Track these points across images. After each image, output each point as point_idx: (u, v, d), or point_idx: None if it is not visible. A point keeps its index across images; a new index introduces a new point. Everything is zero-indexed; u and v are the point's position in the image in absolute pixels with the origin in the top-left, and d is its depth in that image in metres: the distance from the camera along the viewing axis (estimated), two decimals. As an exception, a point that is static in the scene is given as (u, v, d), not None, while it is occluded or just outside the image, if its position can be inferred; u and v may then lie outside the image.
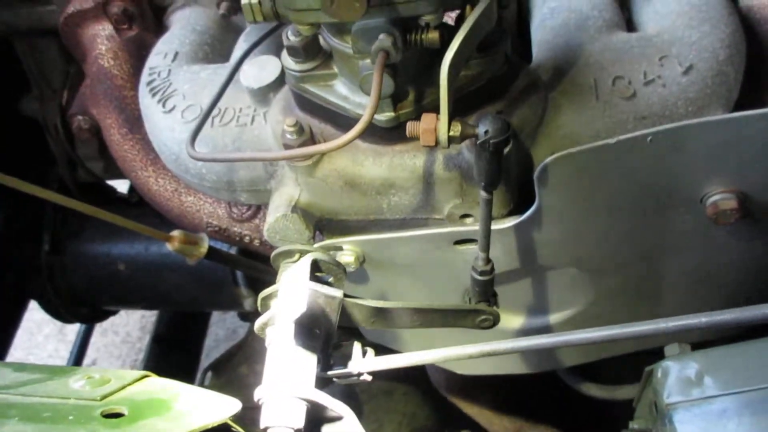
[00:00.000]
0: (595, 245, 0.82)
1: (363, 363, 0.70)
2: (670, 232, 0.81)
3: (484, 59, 0.73)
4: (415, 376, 1.31)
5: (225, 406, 0.49)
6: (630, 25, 0.93)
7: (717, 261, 0.85)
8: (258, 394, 0.62)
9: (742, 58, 0.84)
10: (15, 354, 2.56)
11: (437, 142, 0.67)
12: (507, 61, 0.77)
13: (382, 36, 0.64)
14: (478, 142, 0.65)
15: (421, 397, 1.41)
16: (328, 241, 0.79)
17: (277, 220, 0.79)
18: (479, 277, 0.76)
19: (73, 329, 2.24)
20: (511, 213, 0.80)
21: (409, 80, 0.72)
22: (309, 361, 0.64)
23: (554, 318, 0.97)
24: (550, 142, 0.79)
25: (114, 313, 1.70)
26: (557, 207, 0.76)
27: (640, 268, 0.87)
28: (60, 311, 1.49)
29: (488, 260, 0.76)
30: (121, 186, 1.60)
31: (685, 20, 0.84)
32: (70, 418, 0.42)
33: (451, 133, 0.66)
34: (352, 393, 1.45)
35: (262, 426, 0.61)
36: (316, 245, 0.77)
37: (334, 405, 0.63)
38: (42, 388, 0.47)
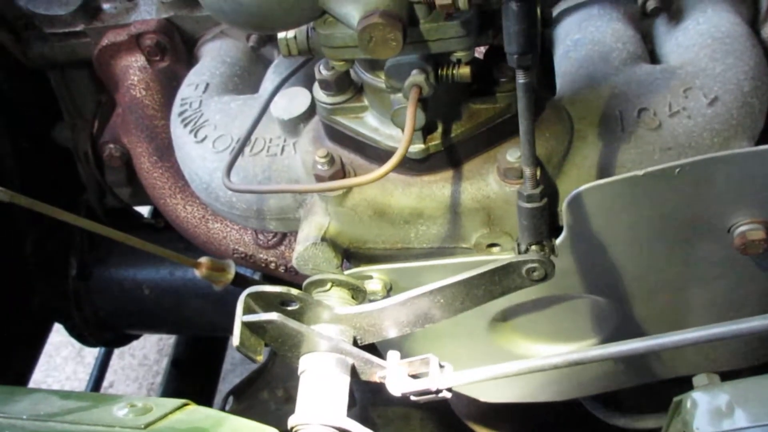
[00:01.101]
0: (621, 275, 0.83)
1: (442, 379, 0.64)
2: (697, 261, 0.81)
3: (511, 92, 0.74)
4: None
5: (264, 436, 0.50)
6: (653, 57, 0.94)
7: (744, 291, 0.85)
8: (292, 422, 0.63)
9: (766, 89, 0.84)
10: (34, 376, 2.58)
11: (455, 3, 0.58)
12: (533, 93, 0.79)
13: (415, 72, 0.66)
14: None
15: (438, 422, 1.40)
16: (357, 269, 0.80)
17: (306, 249, 0.81)
18: (527, 205, 0.64)
19: (92, 352, 2.26)
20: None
21: (439, 113, 0.74)
22: (341, 389, 0.65)
23: (580, 347, 0.97)
24: (577, 172, 0.80)
25: (137, 337, 1.71)
26: (585, 237, 0.76)
27: (666, 298, 0.88)
28: (84, 335, 1.51)
29: (537, 181, 0.63)
30: (145, 211, 1.63)
31: (709, 52, 0.85)
32: (116, 445, 0.43)
33: None
34: (369, 418, 1.45)
35: (297, 454, 0.62)
36: (346, 273, 0.78)
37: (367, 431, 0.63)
38: (87, 416, 0.48)
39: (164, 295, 1.39)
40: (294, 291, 0.65)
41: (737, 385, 0.76)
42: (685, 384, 0.87)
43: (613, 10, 0.96)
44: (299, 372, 0.67)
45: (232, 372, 2.37)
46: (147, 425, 0.47)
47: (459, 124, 0.75)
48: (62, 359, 2.67)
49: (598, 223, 0.75)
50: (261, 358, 0.65)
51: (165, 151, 1.11)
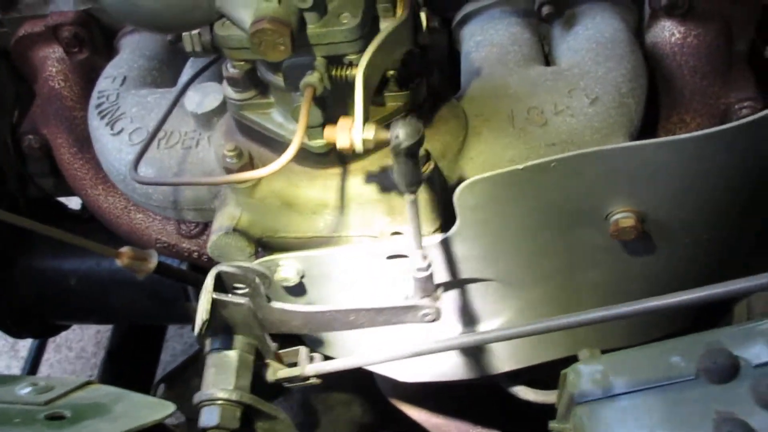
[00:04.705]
0: (512, 261, 0.90)
1: (309, 367, 0.74)
2: (580, 248, 0.89)
3: (406, 92, 0.80)
4: (373, 385, 1.36)
5: (161, 408, 0.54)
6: (549, 59, 1.02)
7: (623, 275, 0.93)
8: (197, 398, 0.68)
9: (643, 90, 0.93)
10: (-35, 368, 2.51)
11: (352, 146, 0.70)
12: (431, 90, 0.85)
13: (309, 72, 0.70)
14: (391, 146, 0.67)
15: (380, 407, 1.45)
16: (266, 258, 0.84)
17: (219, 238, 0.84)
18: (418, 274, 0.78)
19: (26, 345, 2.22)
20: (438, 231, 0.87)
21: (339, 110, 0.79)
22: (245, 366, 0.70)
23: (484, 328, 1.04)
24: (471, 166, 0.87)
25: (66, 327, 1.70)
26: (476, 226, 0.83)
27: (557, 282, 0.95)
28: (9, 325, 1.49)
29: (424, 257, 0.78)
30: (72, 202, 1.62)
31: (593, 56, 0.93)
32: (16, 420, 0.46)
33: (365, 137, 0.69)
34: (309, 404, 1.49)
35: (199, 428, 0.66)
36: (255, 262, 0.83)
37: (268, 408, 0.68)
38: (-11, 395, 0.51)
39: (91, 285, 1.39)
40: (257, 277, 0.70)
41: (612, 358, 0.84)
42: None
43: (513, 15, 1.03)
44: (206, 350, 0.71)
45: (173, 363, 2.36)
46: (47, 402, 0.50)
47: (359, 121, 0.80)
48: (-6, 353, 2.60)
49: (487, 213, 0.82)
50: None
51: (85, 142, 1.11)
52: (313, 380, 0.74)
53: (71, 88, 1.14)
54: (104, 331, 2.54)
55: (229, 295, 0.70)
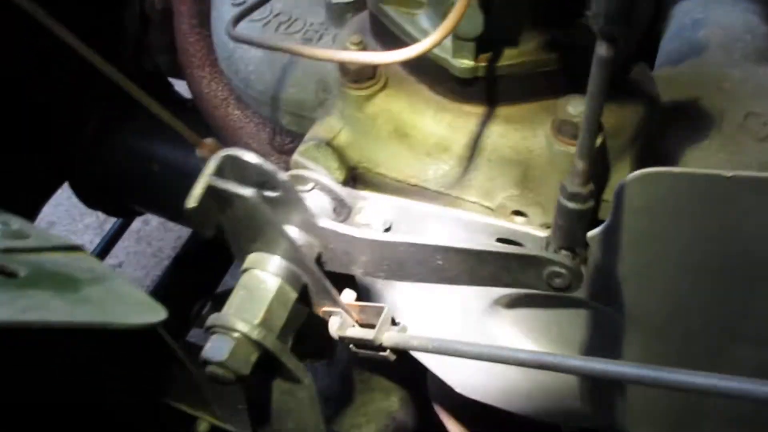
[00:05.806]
0: (657, 297, 0.68)
1: (388, 334, 0.54)
2: (756, 312, 0.66)
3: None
4: (417, 382, 1.20)
5: (148, 312, 0.39)
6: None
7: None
8: (211, 320, 0.52)
9: None
10: (53, 231, 2.59)
11: None
12: (627, 52, 0.64)
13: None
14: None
15: (417, 408, 1.30)
16: (354, 191, 0.68)
17: (307, 149, 0.69)
18: (568, 204, 0.51)
19: (113, 226, 2.24)
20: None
21: (504, 29, 0.60)
22: (281, 303, 0.53)
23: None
24: (646, 160, 0.65)
25: (139, 214, 1.66)
26: (630, 235, 0.62)
27: (703, 346, 0.72)
28: (85, 193, 1.45)
29: (587, 178, 0.49)
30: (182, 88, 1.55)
31: None
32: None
33: None
34: (350, 378, 1.36)
35: (201, 358, 0.51)
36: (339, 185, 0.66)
37: (293, 364, 0.52)
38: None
39: (171, 176, 1.31)
40: (281, 174, 0.53)
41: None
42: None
43: (752, 1, 0.80)
44: (241, 268, 0.55)
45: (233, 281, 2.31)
46: (7, 250, 0.37)
47: (525, 52, 0.61)
48: (84, 226, 2.67)
49: (653, 223, 0.61)
50: (210, 234, 0.53)
51: (207, 17, 1.01)
52: (388, 354, 0.55)
53: (215, -50, 1.03)
54: (185, 237, 2.54)
55: (231, 183, 0.51)
